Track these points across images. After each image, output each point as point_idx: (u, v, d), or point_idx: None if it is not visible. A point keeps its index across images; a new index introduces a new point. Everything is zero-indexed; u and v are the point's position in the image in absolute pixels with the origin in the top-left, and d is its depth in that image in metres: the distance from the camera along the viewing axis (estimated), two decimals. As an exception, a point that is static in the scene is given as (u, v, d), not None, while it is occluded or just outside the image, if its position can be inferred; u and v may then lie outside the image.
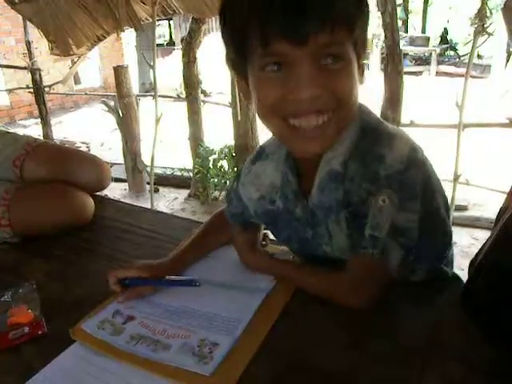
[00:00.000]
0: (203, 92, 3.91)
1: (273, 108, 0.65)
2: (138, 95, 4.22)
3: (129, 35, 8.61)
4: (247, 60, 0.66)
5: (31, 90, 4.48)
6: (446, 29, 11.87)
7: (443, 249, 0.78)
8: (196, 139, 3.66)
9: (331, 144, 0.70)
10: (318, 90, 0.61)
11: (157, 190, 3.92)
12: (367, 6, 0.66)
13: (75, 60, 3.91)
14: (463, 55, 10.65)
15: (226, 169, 3.56)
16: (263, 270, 0.83)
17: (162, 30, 11.74)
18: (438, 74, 9.36)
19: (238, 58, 0.68)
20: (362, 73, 0.69)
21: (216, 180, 3.57)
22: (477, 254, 0.72)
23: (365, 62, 0.72)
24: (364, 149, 0.71)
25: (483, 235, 2.85)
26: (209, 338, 0.68)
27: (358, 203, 0.71)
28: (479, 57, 9.46)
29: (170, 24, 11.54)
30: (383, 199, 0.67)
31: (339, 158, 0.72)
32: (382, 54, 2.45)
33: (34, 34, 3.94)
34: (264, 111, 0.68)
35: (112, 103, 3.94)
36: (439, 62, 9.89)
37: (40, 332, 0.73)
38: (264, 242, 0.91)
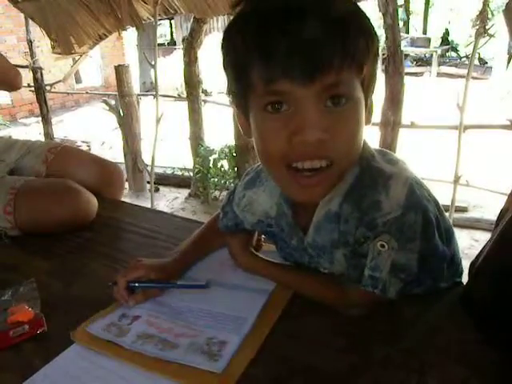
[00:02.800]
0: (204, 91, 3.90)
1: (278, 154, 0.61)
2: (138, 94, 4.22)
3: (130, 34, 8.61)
4: (249, 96, 0.63)
5: (32, 89, 4.48)
6: (447, 30, 11.85)
7: (440, 272, 0.77)
8: (196, 139, 3.66)
9: (329, 191, 0.68)
10: (324, 134, 0.57)
11: (157, 190, 3.91)
12: (377, 42, 0.62)
13: (77, 59, 3.90)
14: (464, 56, 10.64)
15: (227, 168, 3.55)
16: (254, 271, 0.84)
17: (163, 30, 11.74)
18: (438, 75, 9.35)
19: (240, 93, 0.65)
20: (369, 112, 0.66)
21: (216, 180, 3.57)
22: (477, 256, 0.72)
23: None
24: (360, 192, 0.68)
25: (483, 237, 2.85)
26: (217, 337, 0.68)
27: (356, 244, 0.70)
28: (480, 60, 9.47)
29: (171, 23, 11.52)
30: (382, 244, 0.66)
31: (338, 199, 0.70)
32: (383, 54, 2.44)
33: (36, 32, 3.93)
34: (267, 157, 0.64)
35: (113, 102, 3.94)
36: (440, 63, 9.88)
37: (40, 330, 0.73)
38: (259, 242, 0.91)
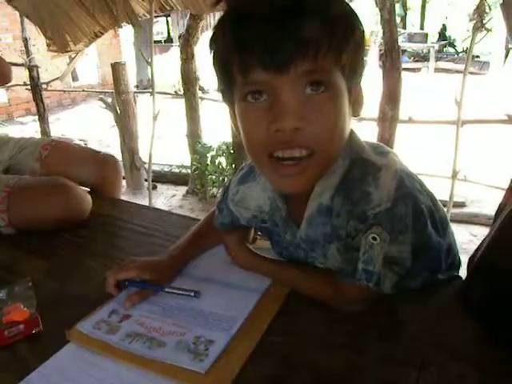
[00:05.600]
0: (201, 89, 3.89)
1: (259, 143, 0.62)
2: (135, 92, 4.20)
3: (126, 32, 8.57)
4: (233, 90, 0.64)
5: (29, 87, 4.46)
6: (444, 25, 11.85)
7: (437, 264, 0.77)
8: (194, 136, 3.65)
9: (313, 183, 0.68)
10: (301, 122, 0.58)
11: (155, 187, 3.91)
12: (360, 30, 0.62)
13: (73, 57, 3.89)
14: (461, 51, 10.64)
15: (224, 166, 3.55)
16: (251, 268, 0.83)
17: (159, 27, 11.69)
18: (436, 70, 9.36)
19: (226, 89, 0.67)
20: (356, 102, 0.66)
21: (214, 177, 3.56)
22: (476, 251, 0.72)
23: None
24: (350, 184, 0.68)
25: (481, 232, 2.85)
26: (204, 336, 0.67)
27: (348, 237, 0.69)
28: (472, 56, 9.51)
29: (167, 21, 11.50)
30: (373, 237, 0.65)
31: (329, 192, 0.70)
32: (381, 50, 2.44)
33: (32, 30, 3.91)
34: (250, 147, 0.65)
35: (110, 100, 3.92)
36: (437, 59, 9.88)
37: (36, 330, 0.72)
38: (254, 237, 0.91)
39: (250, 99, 0.61)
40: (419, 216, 0.67)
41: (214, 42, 0.64)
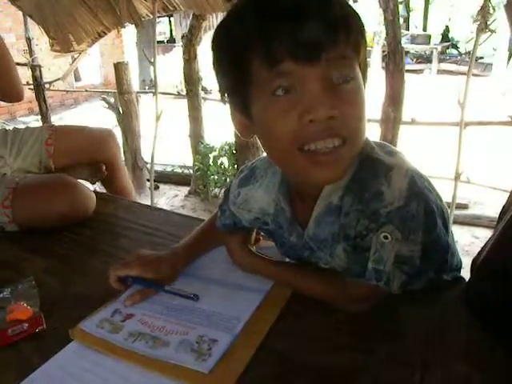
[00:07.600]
0: (204, 89, 3.88)
1: (289, 137, 0.60)
2: (138, 92, 4.21)
3: (129, 32, 8.58)
4: (248, 88, 0.62)
5: (31, 87, 4.46)
6: (447, 27, 11.83)
7: (443, 263, 0.77)
8: (196, 136, 3.65)
9: (345, 174, 0.66)
10: (334, 111, 0.58)
11: (157, 187, 3.91)
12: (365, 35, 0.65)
13: (75, 57, 3.89)
14: (464, 53, 10.63)
15: (227, 166, 3.55)
16: (253, 271, 0.83)
17: (162, 27, 11.71)
18: (439, 72, 9.35)
19: (236, 88, 0.65)
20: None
21: (216, 177, 3.56)
22: (479, 253, 0.72)
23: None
24: (361, 183, 0.68)
25: (484, 233, 2.84)
26: (207, 335, 0.67)
27: (357, 237, 0.69)
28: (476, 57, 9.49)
29: (170, 21, 11.51)
30: (385, 236, 0.65)
31: (339, 192, 0.70)
32: (384, 51, 2.43)
33: (35, 30, 3.92)
34: (278, 142, 0.62)
35: (112, 100, 3.92)
36: (440, 60, 9.87)
37: (39, 328, 0.73)
38: (257, 235, 0.91)
39: (278, 93, 0.59)
40: (430, 215, 0.67)
41: (225, 39, 0.63)
